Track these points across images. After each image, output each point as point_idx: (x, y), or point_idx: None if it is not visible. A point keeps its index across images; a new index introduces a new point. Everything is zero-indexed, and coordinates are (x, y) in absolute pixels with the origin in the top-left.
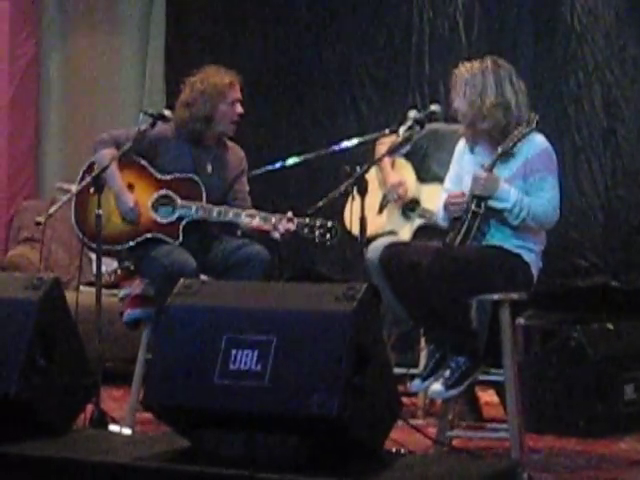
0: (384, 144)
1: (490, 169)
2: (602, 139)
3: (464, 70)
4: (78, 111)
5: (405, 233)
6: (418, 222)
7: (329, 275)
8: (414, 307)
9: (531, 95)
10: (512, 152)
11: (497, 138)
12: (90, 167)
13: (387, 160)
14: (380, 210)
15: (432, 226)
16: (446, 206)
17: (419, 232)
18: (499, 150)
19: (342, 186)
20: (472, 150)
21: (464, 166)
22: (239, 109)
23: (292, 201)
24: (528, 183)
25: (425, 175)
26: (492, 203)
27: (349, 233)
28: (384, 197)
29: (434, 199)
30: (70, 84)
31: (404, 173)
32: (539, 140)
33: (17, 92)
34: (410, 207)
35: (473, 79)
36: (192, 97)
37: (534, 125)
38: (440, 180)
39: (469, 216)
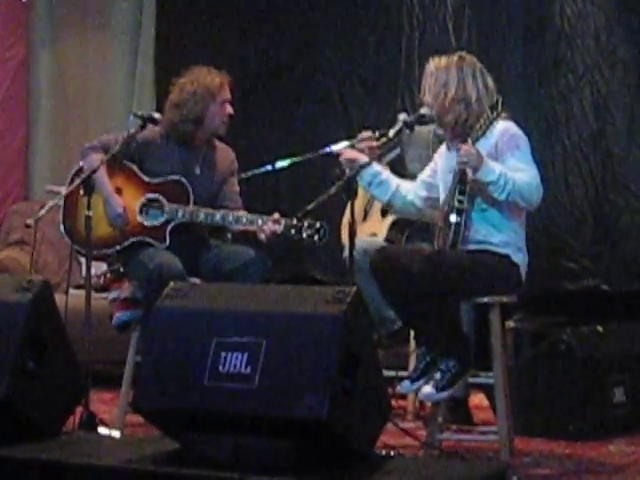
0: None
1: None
2: (592, 142)
3: (432, 64)
4: (68, 114)
5: (382, 231)
6: (390, 218)
7: (320, 278)
8: (405, 310)
9: (520, 98)
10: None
11: (461, 133)
12: (79, 171)
13: None
14: (365, 217)
15: (404, 219)
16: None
17: (393, 227)
18: (469, 141)
19: (332, 189)
20: (449, 148)
21: (439, 162)
22: (229, 109)
23: (282, 204)
24: (504, 165)
25: (403, 172)
26: (479, 176)
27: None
28: (368, 202)
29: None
30: (60, 87)
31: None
32: (502, 125)
33: (6, 95)
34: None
35: (438, 73)
36: (182, 98)
37: (498, 110)
38: (414, 177)
39: (454, 216)
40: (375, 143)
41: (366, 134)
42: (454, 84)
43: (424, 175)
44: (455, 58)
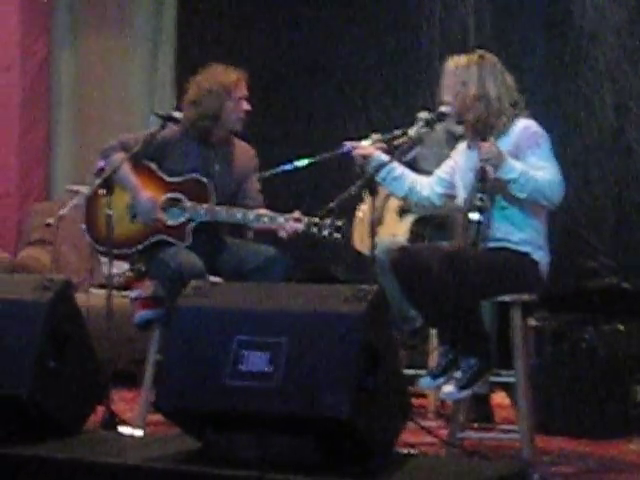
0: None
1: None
2: (613, 139)
3: (452, 63)
4: (89, 112)
5: (402, 231)
6: (411, 217)
7: (340, 277)
8: (426, 309)
9: (541, 95)
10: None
11: (482, 131)
12: (100, 171)
13: None
14: (380, 221)
15: (427, 217)
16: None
17: (415, 225)
18: (491, 139)
19: (353, 187)
20: (469, 147)
21: (458, 160)
22: (246, 105)
23: (303, 202)
24: (525, 163)
25: (416, 170)
26: (500, 174)
27: (358, 253)
28: (382, 206)
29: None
30: (81, 85)
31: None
32: (523, 123)
33: (28, 93)
34: (404, 208)
35: (458, 71)
36: (199, 95)
37: (519, 108)
38: (427, 173)
39: (476, 214)
40: (384, 145)
41: (375, 136)
42: (474, 82)
43: (441, 172)
44: (475, 56)
